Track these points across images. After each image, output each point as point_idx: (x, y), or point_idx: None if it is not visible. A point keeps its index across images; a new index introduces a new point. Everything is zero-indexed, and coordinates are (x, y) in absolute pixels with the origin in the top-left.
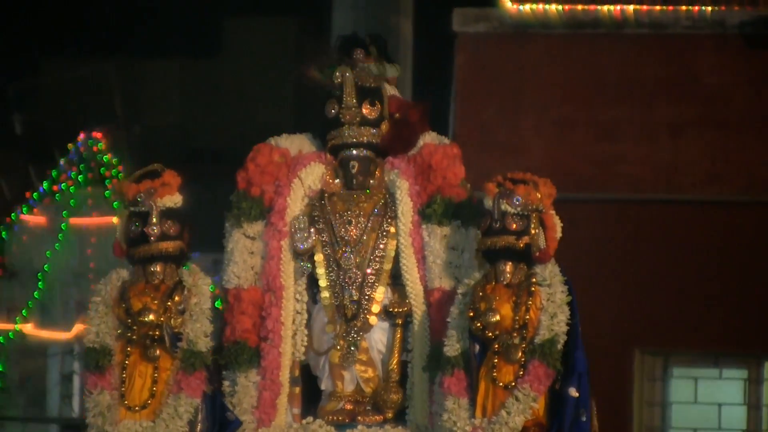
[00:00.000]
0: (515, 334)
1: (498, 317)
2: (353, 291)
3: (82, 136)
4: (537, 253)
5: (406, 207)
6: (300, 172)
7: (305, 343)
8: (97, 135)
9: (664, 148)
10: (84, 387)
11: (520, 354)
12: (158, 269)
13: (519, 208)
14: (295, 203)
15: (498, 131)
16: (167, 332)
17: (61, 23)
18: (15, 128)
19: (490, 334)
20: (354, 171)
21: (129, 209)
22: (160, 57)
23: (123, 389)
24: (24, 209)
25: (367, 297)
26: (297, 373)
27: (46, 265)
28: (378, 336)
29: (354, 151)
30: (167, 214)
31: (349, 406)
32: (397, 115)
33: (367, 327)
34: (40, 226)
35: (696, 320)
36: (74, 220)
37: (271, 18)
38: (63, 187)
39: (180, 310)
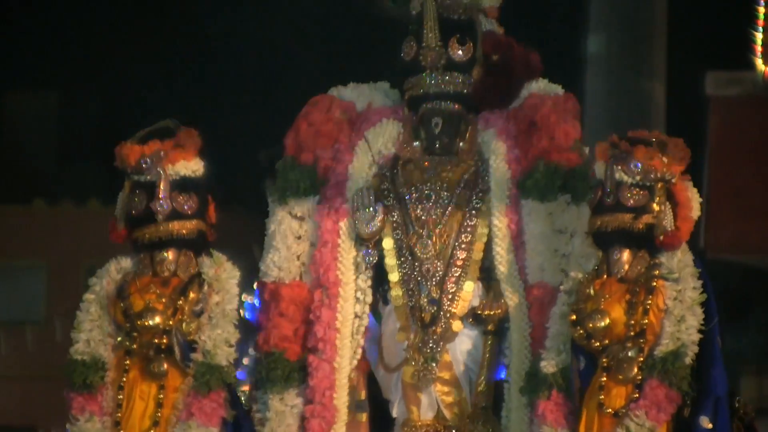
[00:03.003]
0: (629, 344)
1: (607, 321)
2: (432, 288)
3: None
4: (662, 237)
5: (501, 177)
6: (368, 132)
7: (357, 356)
8: None
9: None
10: (68, 411)
11: (635, 370)
12: (169, 257)
13: (638, 177)
14: (359, 173)
15: (753, 195)
16: (177, 340)
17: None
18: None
19: (597, 344)
20: (437, 130)
21: (131, 178)
22: None
23: (119, 415)
24: None
25: (450, 295)
26: (363, 395)
27: None
28: (464, 347)
29: (437, 104)
30: (181, 185)
31: None
32: (495, 56)
33: (449, 335)
34: None
35: None
36: None
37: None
38: None
39: (196, 312)
